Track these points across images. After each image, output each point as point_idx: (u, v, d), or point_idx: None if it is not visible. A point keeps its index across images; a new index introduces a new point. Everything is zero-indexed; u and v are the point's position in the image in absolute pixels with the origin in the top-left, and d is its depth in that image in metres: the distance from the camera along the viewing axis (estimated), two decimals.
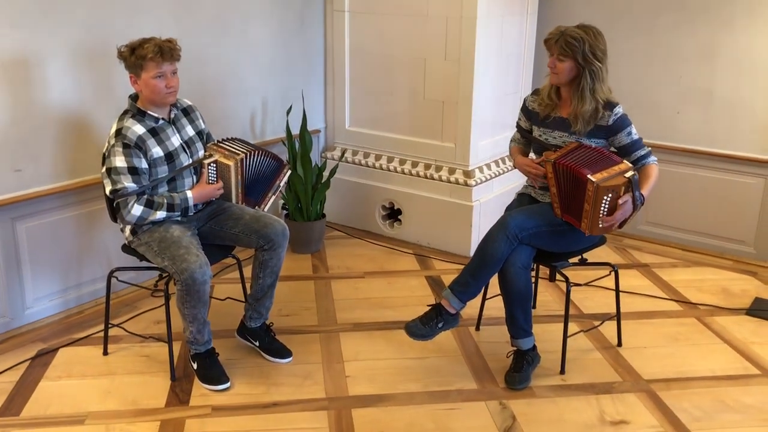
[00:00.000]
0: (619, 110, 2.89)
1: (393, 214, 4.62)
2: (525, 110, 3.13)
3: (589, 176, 2.67)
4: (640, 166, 2.91)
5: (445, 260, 4.23)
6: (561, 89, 2.96)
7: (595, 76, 2.82)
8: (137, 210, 2.75)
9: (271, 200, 3.16)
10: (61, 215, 3.35)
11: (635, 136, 2.92)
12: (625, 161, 2.80)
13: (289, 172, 3.20)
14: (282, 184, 3.16)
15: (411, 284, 3.93)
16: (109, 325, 3.14)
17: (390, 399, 2.85)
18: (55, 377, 2.96)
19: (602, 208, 2.71)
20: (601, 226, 2.77)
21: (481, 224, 4.22)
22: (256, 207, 3.11)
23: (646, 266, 4.22)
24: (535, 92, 3.10)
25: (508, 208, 3.12)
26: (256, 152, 3.00)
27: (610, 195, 2.70)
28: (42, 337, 3.26)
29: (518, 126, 3.20)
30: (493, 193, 4.38)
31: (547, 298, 3.76)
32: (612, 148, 2.95)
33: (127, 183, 2.73)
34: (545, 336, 3.27)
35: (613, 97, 2.91)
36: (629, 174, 2.73)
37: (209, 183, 2.95)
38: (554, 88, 2.98)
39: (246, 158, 2.95)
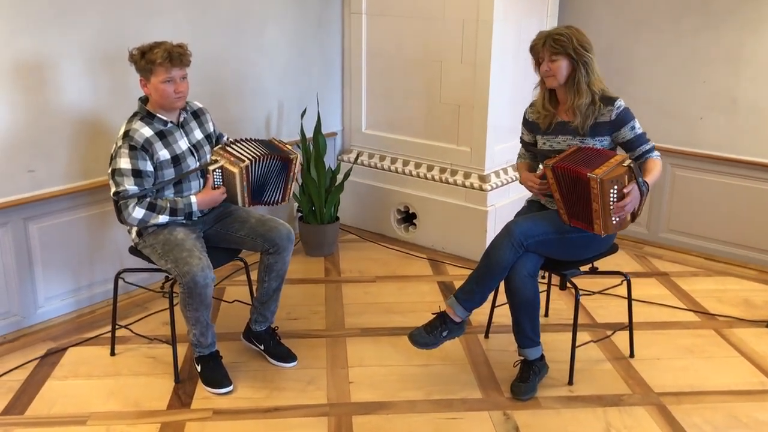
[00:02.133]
0: (620, 104, 2.85)
1: (408, 217, 4.59)
2: (526, 123, 3.08)
3: (589, 174, 2.63)
4: (643, 160, 2.86)
5: (459, 265, 4.18)
6: (557, 93, 2.91)
7: (589, 68, 2.81)
8: (138, 213, 2.76)
9: (291, 188, 3.09)
10: (73, 216, 3.39)
11: (639, 131, 2.87)
12: (619, 153, 2.77)
13: (299, 159, 3.11)
14: (296, 172, 3.08)
15: (422, 290, 3.90)
16: (116, 326, 3.16)
17: (391, 406, 2.82)
18: (61, 376, 2.99)
19: (611, 203, 2.66)
20: (614, 221, 2.70)
21: (497, 230, 4.11)
22: (281, 202, 3.07)
23: (666, 275, 4.12)
24: (532, 105, 3.06)
25: (518, 215, 3.08)
26: (262, 158, 2.95)
27: (615, 187, 2.65)
28: (52, 336, 3.30)
29: (522, 140, 3.16)
30: (509, 199, 4.32)
31: (560, 306, 3.69)
32: (617, 146, 2.91)
33: (129, 185, 2.74)
34: (555, 345, 3.20)
35: (610, 91, 2.88)
36: (627, 162, 2.70)
37: (214, 189, 2.93)
38: (548, 97, 2.93)
39: (251, 165, 2.91)
